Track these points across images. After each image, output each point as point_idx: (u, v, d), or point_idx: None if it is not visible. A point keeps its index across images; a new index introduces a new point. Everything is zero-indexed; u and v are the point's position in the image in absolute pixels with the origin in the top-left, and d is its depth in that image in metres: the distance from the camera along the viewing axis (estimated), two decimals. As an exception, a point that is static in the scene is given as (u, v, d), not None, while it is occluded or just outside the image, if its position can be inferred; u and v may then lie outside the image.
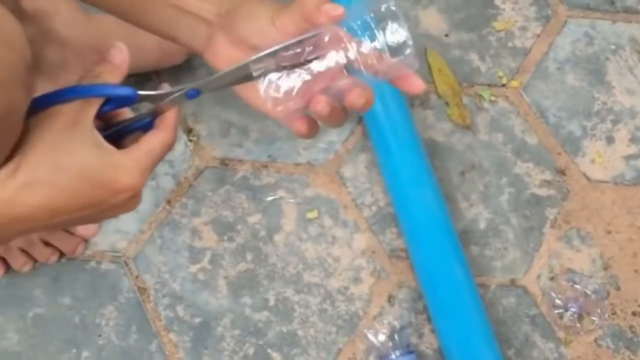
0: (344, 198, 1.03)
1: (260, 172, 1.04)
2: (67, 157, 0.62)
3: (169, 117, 0.67)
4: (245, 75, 0.64)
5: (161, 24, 0.71)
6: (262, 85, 0.63)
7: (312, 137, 0.68)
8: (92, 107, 0.63)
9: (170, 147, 0.68)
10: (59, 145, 0.62)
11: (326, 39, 0.61)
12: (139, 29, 1.05)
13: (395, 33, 0.62)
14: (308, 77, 0.62)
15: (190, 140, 1.05)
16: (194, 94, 0.66)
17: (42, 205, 0.62)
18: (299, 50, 0.62)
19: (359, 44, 0.62)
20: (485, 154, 1.07)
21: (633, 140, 1.09)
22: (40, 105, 0.63)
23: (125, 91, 0.65)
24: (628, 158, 1.08)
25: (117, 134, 0.67)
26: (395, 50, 0.62)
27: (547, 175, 1.06)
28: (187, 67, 1.07)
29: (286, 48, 0.62)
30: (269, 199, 1.03)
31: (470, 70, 1.12)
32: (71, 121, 0.63)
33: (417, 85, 0.65)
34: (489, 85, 1.11)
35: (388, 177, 1.03)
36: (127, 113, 0.69)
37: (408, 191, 1.01)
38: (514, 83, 1.12)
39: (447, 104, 1.10)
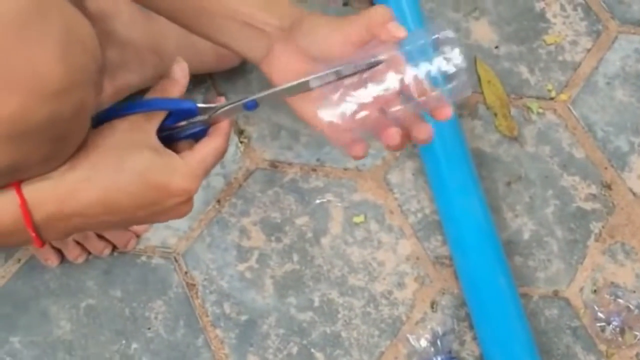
0: (390, 204, 1.05)
1: (309, 176, 1.06)
2: (127, 158, 0.65)
3: (224, 126, 0.70)
4: (299, 91, 0.66)
5: (220, 34, 0.73)
6: (320, 104, 0.65)
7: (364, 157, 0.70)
8: (156, 120, 0.68)
9: (222, 154, 0.71)
10: (122, 147, 0.66)
11: (385, 60, 0.63)
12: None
13: (451, 60, 0.64)
14: (364, 101, 0.64)
15: (241, 142, 1.08)
16: (252, 106, 0.68)
17: (99, 202, 0.65)
18: (354, 74, 0.64)
19: (415, 70, 0.64)
20: (531, 166, 1.08)
21: (681, 157, 1.09)
22: (108, 118, 0.66)
23: (187, 105, 0.69)
24: (675, 175, 1.08)
25: (170, 137, 0.70)
26: (450, 76, 0.64)
27: (593, 189, 1.07)
28: (241, 70, 1.10)
29: (348, 67, 0.64)
30: (317, 202, 1.05)
31: (520, 83, 1.13)
32: (136, 128, 0.67)
33: (446, 113, 0.67)
34: (538, 98, 1.12)
35: (435, 184, 1.05)
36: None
37: (454, 199, 1.02)
38: (563, 96, 1.13)
39: (495, 115, 1.11)
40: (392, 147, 0.67)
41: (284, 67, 0.69)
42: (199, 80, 1.09)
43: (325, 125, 0.65)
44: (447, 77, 0.64)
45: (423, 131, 0.67)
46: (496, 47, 1.16)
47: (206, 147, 0.69)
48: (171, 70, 0.71)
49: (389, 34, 0.64)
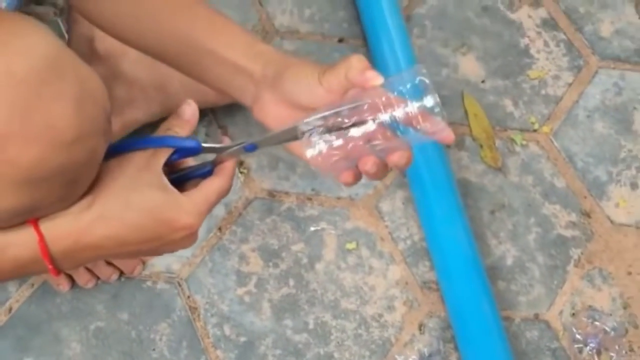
0: (381, 231, 1.11)
1: (304, 204, 1.13)
2: (136, 196, 0.70)
3: (228, 167, 0.75)
4: (293, 136, 0.71)
5: (217, 81, 0.79)
6: (307, 148, 0.70)
7: (355, 184, 0.75)
8: (162, 156, 0.72)
9: (226, 193, 0.75)
10: (130, 186, 0.70)
11: (366, 106, 0.69)
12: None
13: (427, 103, 0.68)
14: (349, 141, 0.69)
15: (241, 173, 1.14)
16: (251, 148, 0.73)
17: (111, 236, 0.70)
18: (339, 119, 0.69)
19: (399, 105, 0.69)
20: (515, 195, 1.14)
21: (656, 186, 1.15)
22: (117, 152, 0.72)
23: (192, 143, 0.73)
24: (651, 203, 1.14)
25: (180, 179, 0.75)
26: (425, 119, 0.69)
27: (573, 217, 1.13)
28: (240, 106, 1.14)
29: (334, 113, 0.69)
30: (312, 229, 1.11)
31: (504, 115, 1.20)
32: (142, 166, 0.71)
33: (447, 135, 0.71)
34: (521, 130, 1.19)
35: (423, 213, 1.11)
36: (190, 161, 0.77)
37: (441, 227, 1.08)
38: (545, 129, 1.19)
39: (481, 146, 1.17)
40: (369, 175, 0.71)
41: (274, 115, 0.74)
42: (200, 114, 1.14)
43: (307, 159, 0.70)
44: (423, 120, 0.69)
45: (401, 156, 0.70)
46: (482, 82, 1.22)
47: (211, 186, 0.74)
48: (181, 110, 0.76)
49: (366, 82, 0.69)
